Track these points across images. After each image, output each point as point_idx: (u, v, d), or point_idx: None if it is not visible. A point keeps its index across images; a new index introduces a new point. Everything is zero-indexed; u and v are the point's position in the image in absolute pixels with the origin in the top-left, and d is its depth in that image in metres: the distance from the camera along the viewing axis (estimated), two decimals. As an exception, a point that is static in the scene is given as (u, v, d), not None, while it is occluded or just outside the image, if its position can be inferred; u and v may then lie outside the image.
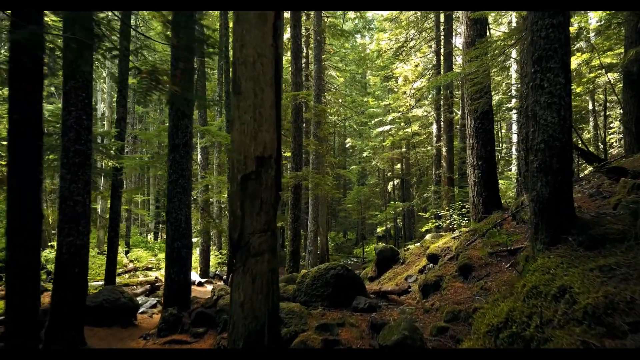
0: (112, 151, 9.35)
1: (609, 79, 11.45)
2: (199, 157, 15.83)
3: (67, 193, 4.84)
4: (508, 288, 4.04)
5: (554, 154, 3.95)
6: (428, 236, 12.85)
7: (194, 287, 15.28)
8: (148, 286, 12.59)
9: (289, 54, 17.96)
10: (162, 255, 20.12)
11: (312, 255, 17.44)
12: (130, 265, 17.19)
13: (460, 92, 19.51)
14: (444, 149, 16.66)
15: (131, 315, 6.90)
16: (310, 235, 17.66)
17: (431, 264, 7.24)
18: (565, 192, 3.94)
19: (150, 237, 27.81)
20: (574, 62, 11.59)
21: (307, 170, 11.21)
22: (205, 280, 15.39)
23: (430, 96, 20.26)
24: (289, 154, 14.21)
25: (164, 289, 7.19)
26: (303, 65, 22.72)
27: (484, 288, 4.93)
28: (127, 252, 20.38)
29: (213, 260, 17.68)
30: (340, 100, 23.55)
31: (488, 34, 9.24)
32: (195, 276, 15.80)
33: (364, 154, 26.85)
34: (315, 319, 4.66)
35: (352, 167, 30.17)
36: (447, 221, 13.49)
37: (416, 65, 22.31)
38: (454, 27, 18.00)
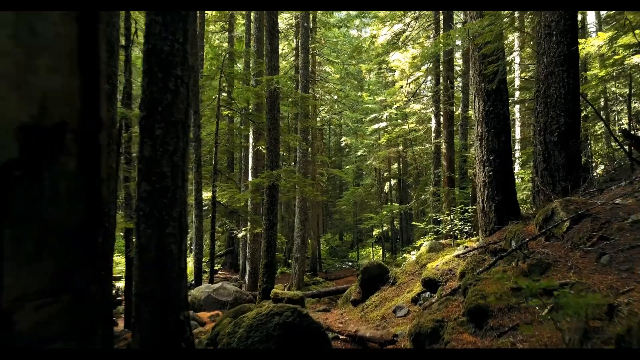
0: None
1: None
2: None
3: None
4: None
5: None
6: (424, 246, 10.97)
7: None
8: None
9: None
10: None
11: (300, 263, 15.53)
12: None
13: (461, 84, 17.61)
14: (443, 146, 14.75)
15: None
16: (297, 241, 15.76)
17: (428, 292, 5.34)
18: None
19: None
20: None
21: (282, 170, 9.31)
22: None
23: (428, 78, 18.38)
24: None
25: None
26: (293, 57, 20.85)
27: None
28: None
29: (189, 268, 15.79)
30: (334, 97, 21.65)
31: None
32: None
33: (359, 153, 24.94)
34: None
35: (347, 167, 28.27)
36: (448, 227, 11.57)
37: (413, 58, 20.42)
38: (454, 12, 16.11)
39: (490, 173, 5.79)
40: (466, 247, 5.81)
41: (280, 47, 23.15)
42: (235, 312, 5.71)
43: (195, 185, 10.85)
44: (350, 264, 25.84)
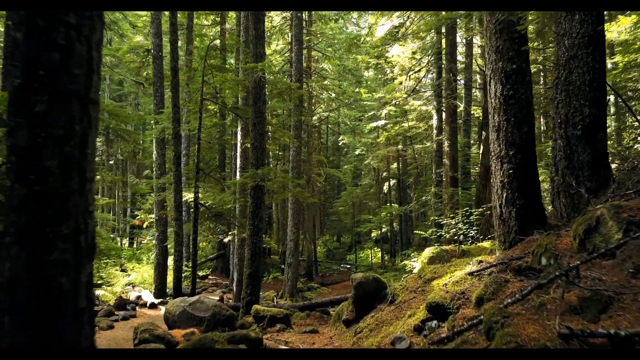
0: None
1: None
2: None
3: None
4: None
5: None
6: (427, 252, 9.89)
7: (144, 310, 12.29)
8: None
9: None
10: (135, 264, 17.17)
11: (293, 268, 14.42)
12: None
13: (463, 81, 16.51)
14: (445, 143, 13.64)
15: None
16: (290, 245, 14.65)
17: (434, 321, 4.22)
18: None
19: (126, 242, 24.83)
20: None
21: (267, 169, 8.21)
22: (159, 301, 12.38)
23: (428, 76, 17.29)
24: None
25: None
26: (288, 50, 19.73)
27: None
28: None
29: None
30: (331, 95, 20.52)
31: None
32: (148, 296, 12.79)
33: (357, 152, 23.81)
34: None
35: (345, 167, 27.14)
36: (452, 231, 10.44)
37: (413, 53, 19.30)
38: None
39: (510, 171, 4.68)
40: (480, 261, 4.70)
41: (275, 43, 22.06)
42: (194, 344, 4.59)
43: (174, 186, 9.74)
44: (348, 266, 24.73)
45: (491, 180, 4.94)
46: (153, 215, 16.28)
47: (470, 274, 4.48)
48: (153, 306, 12.15)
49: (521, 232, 4.63)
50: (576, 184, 6.18)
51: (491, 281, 3.91)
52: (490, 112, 4.94)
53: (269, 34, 19.83)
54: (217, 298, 14.00)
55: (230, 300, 12.89)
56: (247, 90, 10.33)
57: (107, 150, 24.98)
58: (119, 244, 23.93)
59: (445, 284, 4.67)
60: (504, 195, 4.74)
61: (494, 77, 4.88)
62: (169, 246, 12.27)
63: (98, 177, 28.33)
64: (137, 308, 12.09)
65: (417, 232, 19.00)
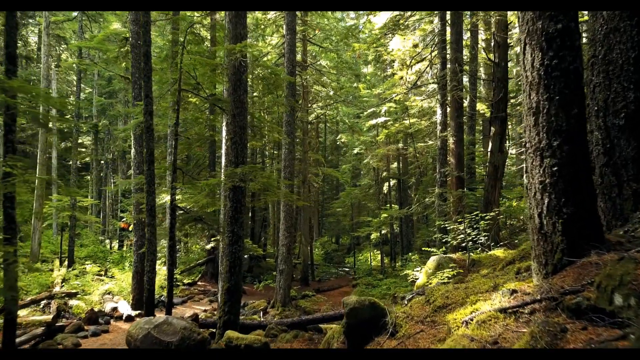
0: None
1: None
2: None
3: None
4: None
5: None
6: (431, 262, 8.58)
7: (119, 324, 10.99)
8: (25, 337, 8.27)
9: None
10: (116, 270, 15.86)
11: (285, 275, 13.11)
12: (57, 289, 12.89)
13: (466, 77, 15.19)
14: (451, 140, 12.32)
15: None
16: (282, 250, 13.34)
17: (456, 381, 2.89)
18: None
19: (115, 245, 23.50)
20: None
21: (248, 167, 6.91)
22: (137, 313, 11.08)
23: (429, 74, 15.98)
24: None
25: None
26: (283, 44, 18.42)
27: None
28: (70, 267, 16.11)
29: (159, 282, 13.32)
30: (330, 91, 19.19)
31: None
32: (124, 307, 11.47)
33: (355, 151, 22.48)
34: None
35: (343, 166, 25.81)
36: (460, 237, 9.14)
37: (415, 46, 18.00)
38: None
39: (555, 169, 3.38)
40: (514, 292, 3.39)
41: (269, 37, 20.74)
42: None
43: (146, 187, 8.45)
44: (346, 269, 23.41)
45: (528, 182, 3.62)
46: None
47: (503, 310, 3.17)
48: (130, 319, 10.85)
49: (571, 251, 3.32)
50: (618, 185, 4.88)
51: (540, 329, 2.61)
52: (525, 89, 3.63)
53: (262, 26, 18.54)
54: (204, 309, 12.70)
55: (216, 312, 11.59)
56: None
57: (96, 149, 23.71)
58: (108, 246, 22.65)
59: (466, 322, 3.37)
60: (545, 201, 3.43)
61: (530, 42, 3.57)
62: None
63: (87, 177, 27.11)
64: (111, 321, 10.80)
65: (419, 236, 17.70)
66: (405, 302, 5.28)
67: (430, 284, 4.66)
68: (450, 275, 4.36)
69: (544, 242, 3.45)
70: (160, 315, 6.83)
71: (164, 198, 9.62)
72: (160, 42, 15.64)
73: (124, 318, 10.87)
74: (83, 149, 26.60)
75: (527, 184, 3.63)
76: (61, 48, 24.69)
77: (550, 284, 3.24)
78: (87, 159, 25.79)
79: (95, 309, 11.14)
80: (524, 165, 3.46)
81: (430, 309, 4.59)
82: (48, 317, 9.42)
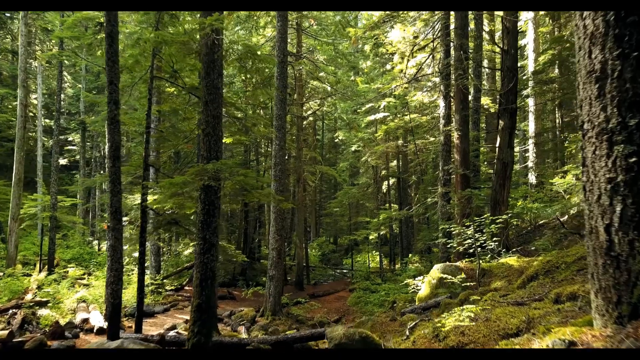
0: None
1: None
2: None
3: None
4: None
5: None
6: (435, 272, 7.44)
7: (88, 338, 9.84)
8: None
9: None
10: (98, 274, 14.73)
11: (275, 282, 11.96)
12: (29, 296, 11.74)
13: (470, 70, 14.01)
14: (455, 135, 11.15)
15: None
16: (272, 255, 12.19)
17: None
18: None
19: (104, 246, 22.36)
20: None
21: (222, 162, 5.77)
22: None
23: (430, 69, 14.81)
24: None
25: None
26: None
27: None
28: (50, 271, 14.98)
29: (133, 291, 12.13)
30: (327, 86, 18.02)
31: None
32: (97, 318, 10.30)
33: (352, 149, 21.31)
34: None
35: (341, 165, 24.65)
36: (467, 242, 7.96)
37: (415, 37, 16.80)
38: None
39: (632, 160, 2.24)
40: (572, 343, 2.24)
41: (263, 29, 19.55)
42: None
43: (110, 187, 7.29)
44: (344, 271, 22.28)
45: (584, 178, 2.46)
46: (126, 219, 13.93)
47: (560, 379, 2.01)
48: (101, 331, 9.67)
49: (659, 284, 2.15)
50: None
51: None
52: (582, 45, 2.47)
53: (255, 17, 17.36)
54: (186, 318, 11.54)
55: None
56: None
57: (83, 146, 22.59)
58: (96, 247, 21.53)
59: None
60: (618, 209, 2.26)
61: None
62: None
63: (77, 176, 26.00)
64: (80, 334, 9.63)
65: (419, 238, 16.52)
66: (407, 331, 4.12)
67: (441, 322, 3.47)
68: (471, 316, 3.21)
69: (616, 270, 2.28)
70: (111, 343, 5.65)
71: (139, 199, 8.47)
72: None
73: (95, 331, 9.71)
74: (73, 147, 25.50)
75: (584, 182, 2.47)
76: (51, 43, 23.60)
77: (624, 334, 2.08)
78: (77, 156, 24.66)
79: (66, 320, 10.00)
80: (580, 154, 2.43)
81: (437, 342, 3.43)
82: (4, 333, 8.26)
